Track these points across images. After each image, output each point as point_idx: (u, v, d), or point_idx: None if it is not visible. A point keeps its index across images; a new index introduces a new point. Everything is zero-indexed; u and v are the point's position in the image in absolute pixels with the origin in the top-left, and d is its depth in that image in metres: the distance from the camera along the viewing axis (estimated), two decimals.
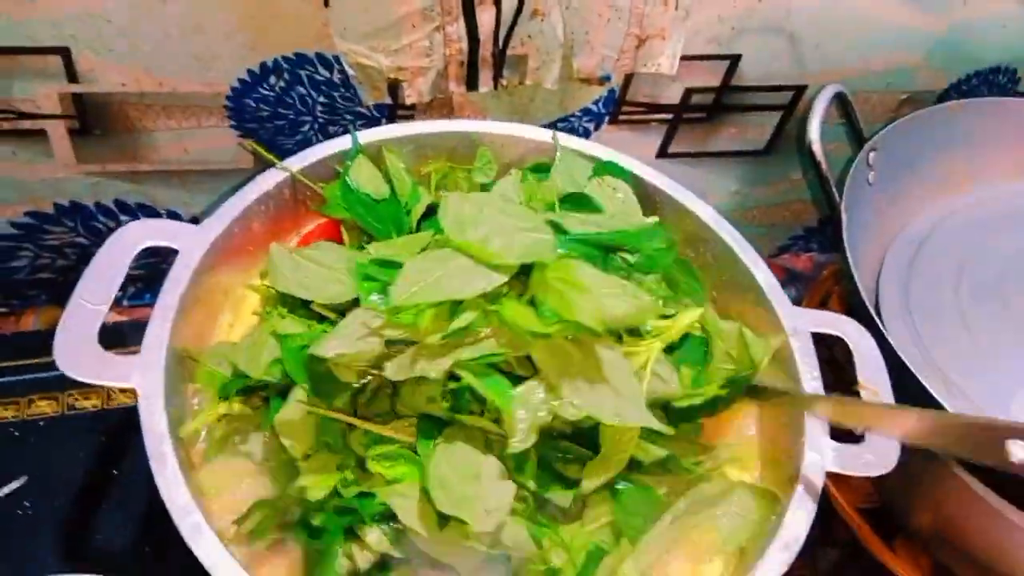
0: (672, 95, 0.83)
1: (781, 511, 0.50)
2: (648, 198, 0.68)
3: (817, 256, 1.07)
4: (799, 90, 0.85)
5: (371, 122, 0.77)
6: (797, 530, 0.49)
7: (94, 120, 0.71)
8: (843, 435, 0.54)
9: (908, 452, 0.52)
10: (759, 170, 0.94)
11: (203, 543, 0.44)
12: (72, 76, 0.67)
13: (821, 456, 0.52)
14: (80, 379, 0.48)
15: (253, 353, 0.50)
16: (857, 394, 0.56)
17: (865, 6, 0.79)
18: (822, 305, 0.87)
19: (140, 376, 0.49)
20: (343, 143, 0.64)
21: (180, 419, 0.51)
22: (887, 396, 0.55)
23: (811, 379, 0.56)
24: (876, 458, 0.52)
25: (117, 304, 0.82)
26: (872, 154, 0.79)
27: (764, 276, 0.60)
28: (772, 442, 0.57)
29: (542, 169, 0.69)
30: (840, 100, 0.78)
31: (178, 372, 0.52)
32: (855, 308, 0.67)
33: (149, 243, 0.55)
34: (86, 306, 0.51)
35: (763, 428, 0.58)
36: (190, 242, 0.55)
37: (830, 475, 0.52)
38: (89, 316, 0.50)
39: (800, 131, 0.76)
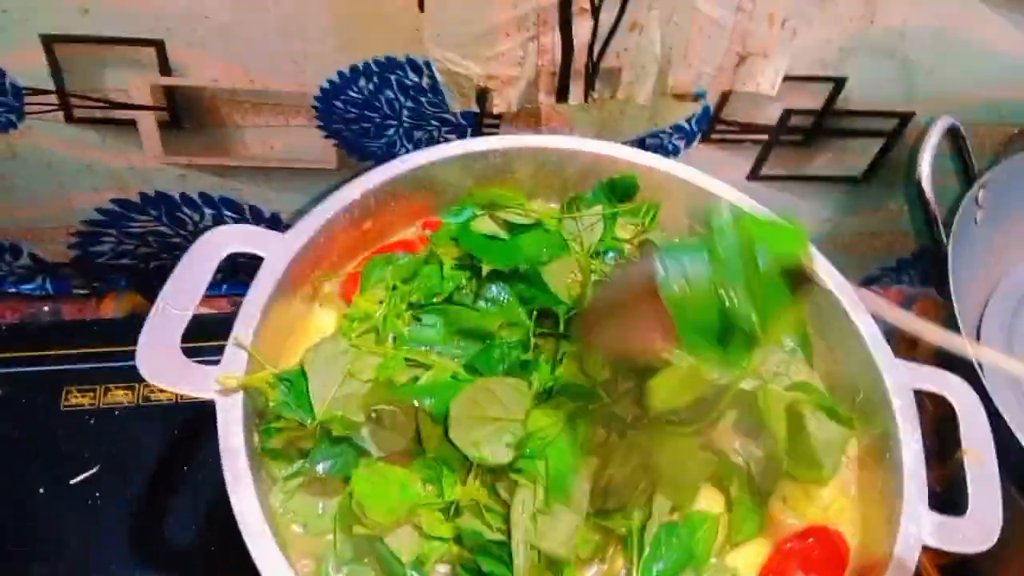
0: (770, 115, 0.79)
1: None
2: None
3: (907, 290, 1.02)
4: (905, 117, 0.81)
5: (456, 129, 0.75)
6: None
7: (184, 113, 0.71)
8: (943, 503, 0.51)
9: None
10: (854, 198, 0.89)
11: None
12: (165, 69, 0.67)
13: (919, 528, 0.49)
14: (161, 386, 0.48)
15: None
16: (960, 461, 0.52)
17: (983, 34, 0.74)
18: (912, 347, 0.82)
19: (219, 388, 0.48)
20: (432, 155, 0.63)
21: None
22: (992, 465, 0.52)
23: (912, 442, 0.52)
24: (977, 533, 0.49)
25: None
26: (982, 192, 0.74)
27: (867, 325, 0.57)
28: (870, 504, 0.54)
29: (623, 188, 0.66)
30: (952, 133, 0.74)
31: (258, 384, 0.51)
32: (957, 364, 0.63)
33: (235, 249, 0.54)
34: (170, 311, 0.50)
35: (862, 489, 0.55)
36: (276, 250, 0.55)
37: None
38: (172, 322, 0.50)
39: (908, 162, 0.71)
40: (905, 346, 0.79)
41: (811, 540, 0.53)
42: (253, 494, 0.45)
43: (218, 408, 0.48)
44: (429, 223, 0.66)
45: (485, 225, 0.63)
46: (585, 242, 0.64)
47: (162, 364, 0.48)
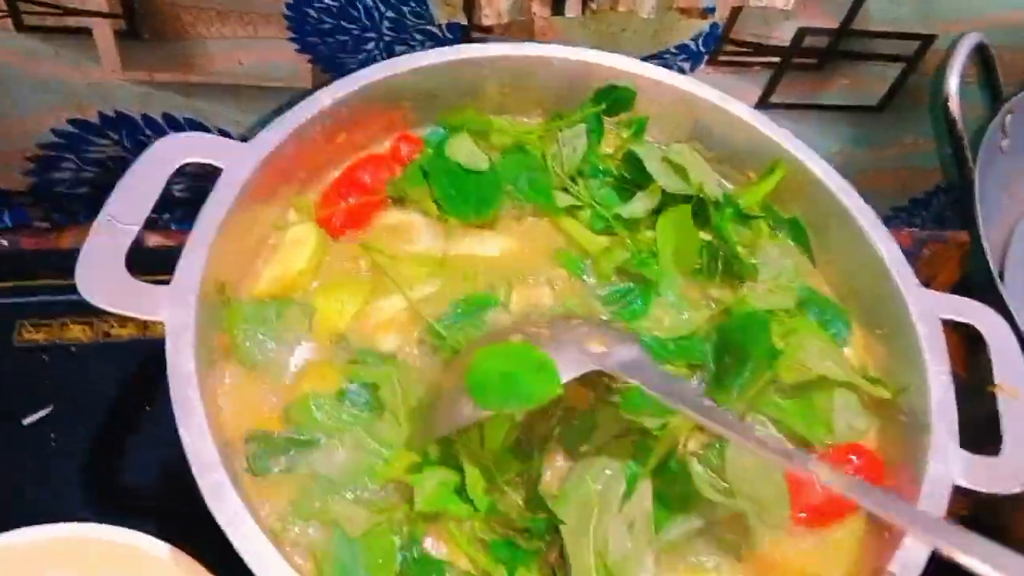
0: (783, 35, 0.74)
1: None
2: (753, 150, 0.59)
3: (917, 233, 0.96)
4: (927, 40, 0.75)
5: (441, 43, 0.69)
6: (917, 556, 0.41)
7: (143, 22, 0.65)
8: (972, 441, 0.46)
9: None
10: (868, 129, 0.84)
11: (226, 508, 0.39)
12: None
13: (947, 468, 0.44)
14: (102, 307, 0.42)
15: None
16: (992, 395, 0.47)
17: None
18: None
19: (169, 309, 0.43)
20: (411, 62, 0.56)
21: (212, 361, 0.45)
22: None
23: (940, 374, 0.47)
24: (1013, 473, 0.44)
25: (163, 227, 0.77)
26: (1009, 117, 0.69)
27: (889, 249, 0.52)
28: (893, 443, 0.49)
29: (618, 99, 0.61)
30: (980, 52, 0.68)
31: (213, 306, 0.46)
32: (982, 291, 0.58)
33: (190, 159, 0.48)
34: (115, 225, 0.45)
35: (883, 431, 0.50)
36: (236, 160, 0.49)
37: None
38: (117, 236, 0.44)
39: (933, 84, 0.65)
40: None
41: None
42: (204, 422, 0.40)
43: (168, 330, 0.42)
44: (405, 136, 0.60)
45: (463, 149, 0.57)
46: (567, 164, 0.59)
47: (105, 283, 0.43)
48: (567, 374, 0.42)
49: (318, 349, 0.51)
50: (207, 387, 0.43)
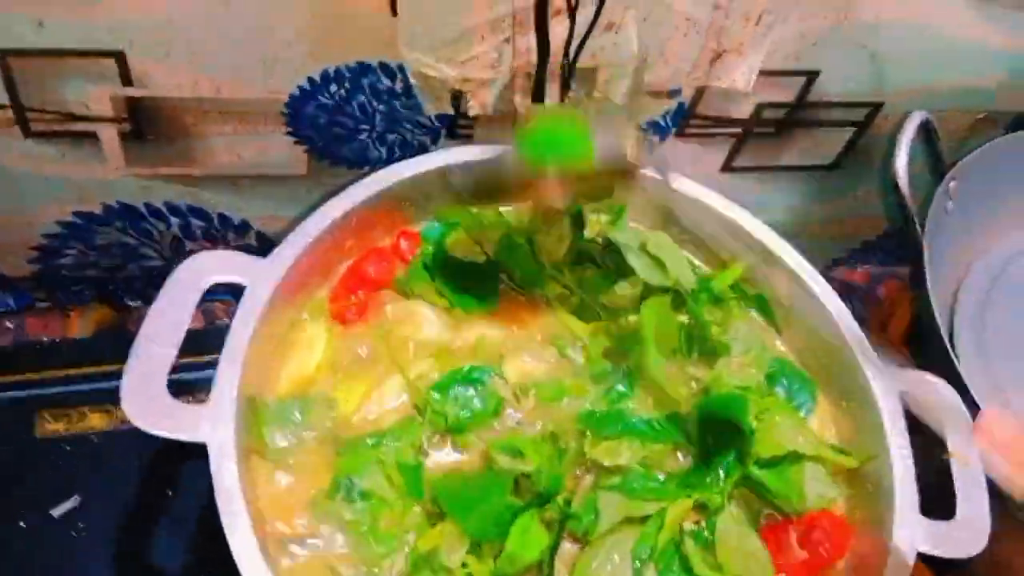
0: (743, 110, 0.79)
1: None
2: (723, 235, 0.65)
3: (873, 269, 1.03)
4: (875, 107, 0.82)
5: (430, 131, 0.74)
6: None
7: (147, 124, 0.68)
8: (933, 505, 0.52)
9: None
10: (824, 185, 0.90)
11: None
12: (126, 79, 0.64)
13: (911, 534, 0.50)
14: (150, 431, 0.46)
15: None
16: (946, 462, 0.54)
17: (952, 25, 0.75)
18: (882, 330, 0.84)
19: (210, 429, 0.47)
20: (417, 165, 0.61)
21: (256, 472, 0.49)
22: (977, 467, 0.53)
23: (901, 447, 0.53)
24: (968, 535, 0.50)
25: None
26: (952, 183, 0.75)
27: (850, 330, 0.58)
28: (861, 509, 0.55)
29: None
30: (923, 127, 0.74)
31: (251, 419, 0.50)
32: (935, 357, 0.64)
33: (217, 279, 0.52)
34: (153, 349, 0.48)
35: (851, 498, 0.56)
36: (259, 276, 0.53)
37: None
38: (156, 361, 0.48)
39: (884, 157, 0.72)
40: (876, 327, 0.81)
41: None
42: (251, 535, 0.44)
43: (210, 451, 0.46)
44: (404, 232, 0.65)
45: (460, 245, 0.62)
46: (553, 254, 0.64)
47: (149, 407, 0.47)
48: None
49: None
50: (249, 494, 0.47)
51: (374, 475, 0.51)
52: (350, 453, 0.53)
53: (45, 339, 0.76)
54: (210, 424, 0.47)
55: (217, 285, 0.52)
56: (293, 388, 0.56)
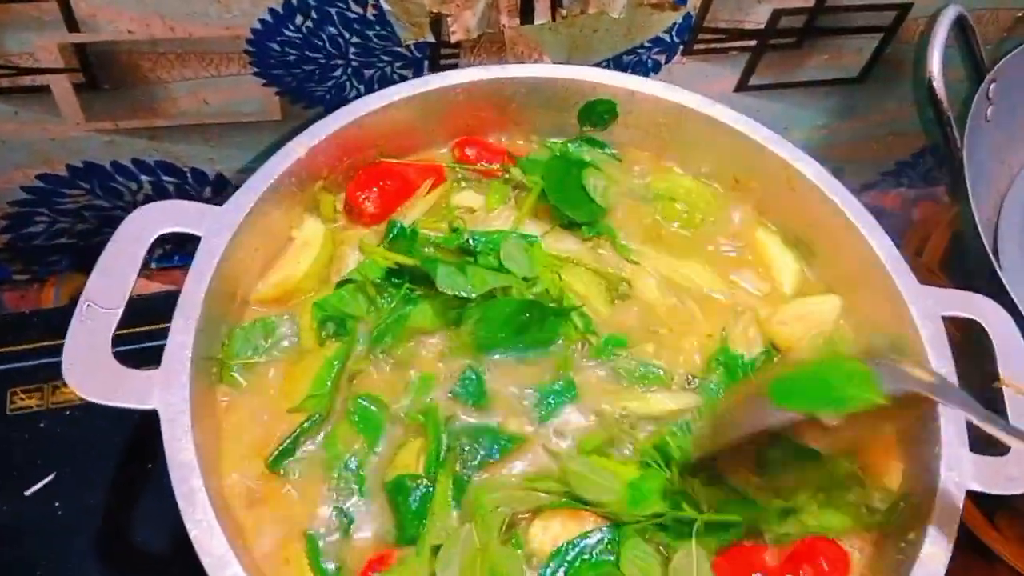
0: (758, 18, 0.72)
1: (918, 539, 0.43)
2: (738, 154, 0.58)
3: (906, 192, 0.96)
4: (904, 8, 0.73)
5: (411, 63, 0.68)
6: (934, 568, 0.41)
7: (102, 73, 0.63)
8: (982, 442, 0.46)
9: None
10: (851, 101, 0.83)
11: None
12: (72, 24, 0.59)
13: (960, 474, 0.44)
14: (93, 400, 0.42)
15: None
16: (999, 391, 0.47)
17: None
18: (917, 254, 0.77)
19: (161, 395, 0.42)
20: (381, 99, 0.55)
21: (209, 443, 0.45)
22: None
23: (947, 376, 0.47)
24: (1022, 471, 0.44)
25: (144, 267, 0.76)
26: (992, 86, 0.68)
27: (884, 247, 0.51)
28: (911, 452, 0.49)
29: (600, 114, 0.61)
30: (959, 24, 0.66)
31: (207, 383, 0.45)
32: (980, 277, 0.57)
33: (165, 230, 0.47)
34: (96, 310, 0.44)
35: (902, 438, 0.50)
36: (214, 226, 0.48)
37: None
38: (100, 323, 0.43)
39: (915, 60, 0.64)
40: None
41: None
42: (211, 512, 0.40)
43: (162, 419, 0.42)
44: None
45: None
46: None
47: (92, 374, 0.42)
48: (890, 386, 0.41)
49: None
50: (207, 465, 0.43)
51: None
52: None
53: (15, 311, 0.72)
54: (162, 390, 0.42)
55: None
56: (274, 294, 0.53)
